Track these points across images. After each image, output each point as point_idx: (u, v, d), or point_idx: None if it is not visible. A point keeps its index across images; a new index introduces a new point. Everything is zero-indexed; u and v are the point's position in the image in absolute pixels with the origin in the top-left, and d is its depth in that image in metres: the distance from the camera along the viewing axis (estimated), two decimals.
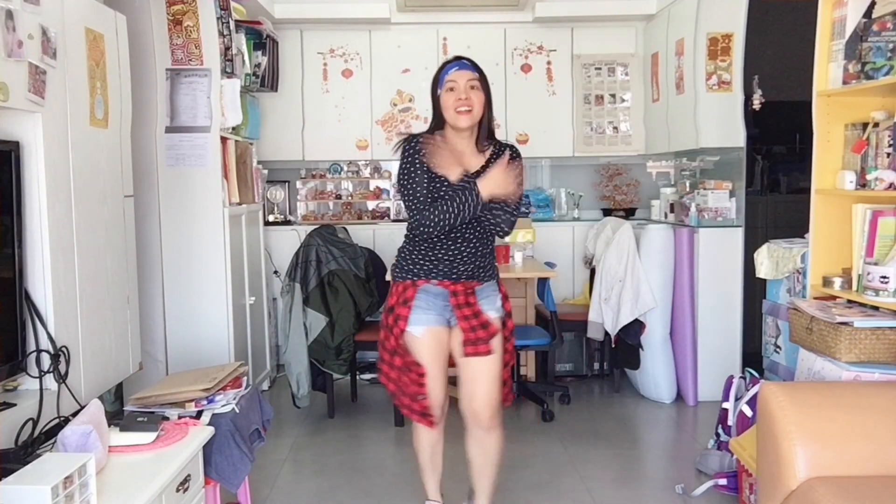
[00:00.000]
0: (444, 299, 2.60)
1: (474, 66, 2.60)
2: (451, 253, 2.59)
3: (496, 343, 2.63)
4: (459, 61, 2.61)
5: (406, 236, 2.69)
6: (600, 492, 3.24)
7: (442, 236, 2.58)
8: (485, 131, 2.63)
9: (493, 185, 2.49)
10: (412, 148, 2.57)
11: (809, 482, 2.13)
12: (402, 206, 2.66)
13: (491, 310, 2.67)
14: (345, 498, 3.22)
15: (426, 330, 2.59)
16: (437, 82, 2.63)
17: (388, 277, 4.21)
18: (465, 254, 2.60)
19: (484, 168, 2.60)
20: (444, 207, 2.48)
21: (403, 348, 2.62)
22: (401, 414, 4.12)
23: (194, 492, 2.28)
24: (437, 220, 2.48)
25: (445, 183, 2.53)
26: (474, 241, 2.61)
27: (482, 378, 2.62)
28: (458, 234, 2.59)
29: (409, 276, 2.62)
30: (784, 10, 5.38)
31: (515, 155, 2.65)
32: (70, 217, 2.65)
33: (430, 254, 2.60)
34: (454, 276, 2.60)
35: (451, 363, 2.71)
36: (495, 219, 2.57)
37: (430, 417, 2.68)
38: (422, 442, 2.77)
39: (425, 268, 2.60)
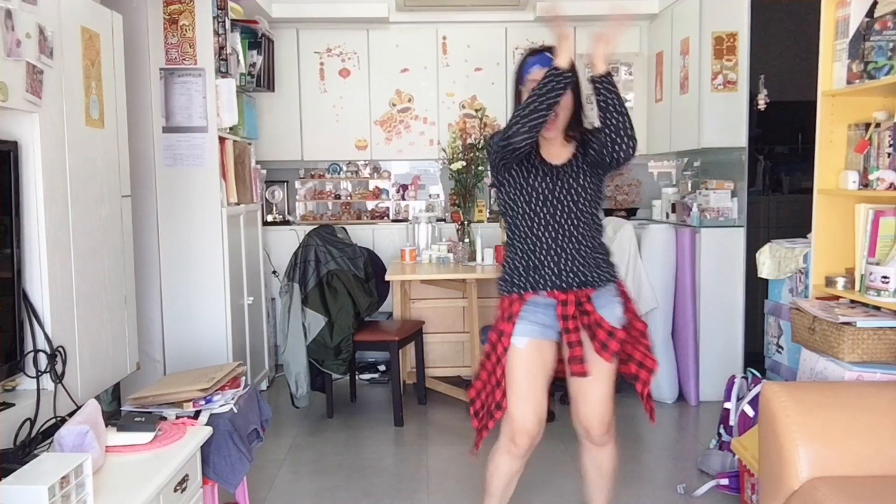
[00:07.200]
0: (554, 310, 2.35)
1: None
2: (554, 254, 2.32)
3: (605, 364, 2.38)
4: (541, 56, 2.34)
5: (507, 245, 2.44)
6: None
7: (542, 235, 2.33)
8: (574, 122, 2.38)
9: (604, 47, 2.25)
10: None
11: (812, 482, 2.11)
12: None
13: (611, 319, 2.37)
14: (344, 498, 3.21)
15: (529, 342, 2.34)
16: (519, 76, 2.40)
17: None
18: (570, 252, 2.33)
19: (569, 162, 2.36)
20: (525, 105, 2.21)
21: (503, 368, 2.37)
22: (400, 414, 4.12)
23: (192, 492, 2.26)
24: (521, 118, 2.19)
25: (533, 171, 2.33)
26: (577, 234, 2.33)
27: (589, 398, 2.42)
28: (557, 228, 2.32)
29: (516, 290, 2.36)
30: (786, 9, 5.37)
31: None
32: (67, 217, 2.63)
33: (533, 259, 2.34)
34: (564, 286, 2.33)
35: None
36: (609, 97, 2.23)
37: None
38: (501, 470, 2.47)
39: (532, 278, 2.34)
